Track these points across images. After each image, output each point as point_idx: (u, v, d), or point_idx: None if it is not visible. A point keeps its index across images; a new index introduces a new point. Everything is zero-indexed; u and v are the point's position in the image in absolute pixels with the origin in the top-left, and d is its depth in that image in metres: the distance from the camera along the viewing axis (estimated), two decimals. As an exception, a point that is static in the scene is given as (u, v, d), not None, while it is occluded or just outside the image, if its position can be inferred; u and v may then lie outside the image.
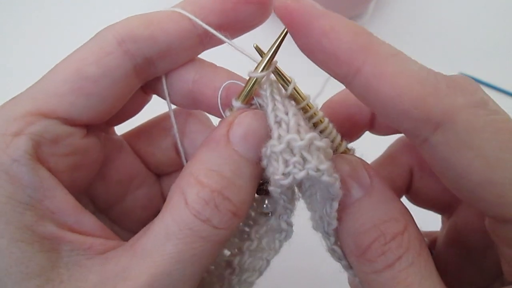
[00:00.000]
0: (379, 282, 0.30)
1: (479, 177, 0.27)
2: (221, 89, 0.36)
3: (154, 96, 0.41)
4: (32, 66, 0.50)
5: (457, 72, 0.85)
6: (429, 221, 0.42)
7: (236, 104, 0.34)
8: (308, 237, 0.36)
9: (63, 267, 0.30)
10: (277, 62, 0.33)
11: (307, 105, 0.35)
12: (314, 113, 0.35)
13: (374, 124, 0.40)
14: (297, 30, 0.29)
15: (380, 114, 0.29)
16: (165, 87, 0.37)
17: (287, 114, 0.31)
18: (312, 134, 0.30)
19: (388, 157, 0.43)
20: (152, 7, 0.36)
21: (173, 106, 0.40)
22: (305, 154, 0.29)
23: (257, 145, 0.31)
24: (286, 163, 0.30)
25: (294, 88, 0.34)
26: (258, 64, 0.33)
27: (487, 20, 0.95)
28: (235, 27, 0.35)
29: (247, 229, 0.38)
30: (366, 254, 0.30)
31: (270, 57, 0.33)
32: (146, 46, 0.34)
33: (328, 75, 0.30)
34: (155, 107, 0.43)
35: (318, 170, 0.29)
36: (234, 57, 0.39)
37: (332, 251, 0.34)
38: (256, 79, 0.33)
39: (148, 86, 0.38)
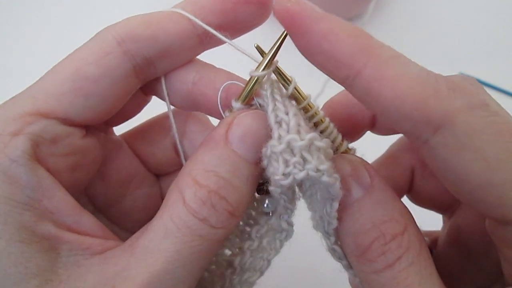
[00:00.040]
0: (379, 282, 0.30)
1: (479, 179, 0.26)
2: (221, 89, 0.36)
3: (154, 97, 0.41)
4: (32, 66, 0.50)
5: (457, 72, 0.86)
6: (430, 220, 0.42)
7: (236, 105, 0.34)
8: (308, 237, 0.36)
9: (62, 267, 0.30)
10: (278, 61, 0.33)
11: (308, 104, 0.35)
12: (315, 113, 0.35)
13: (375, 123, 0.40)
14: (297, 33, 0.29)
15: (381, 116, 0.29)
16: (164, 87, 0.37)
17: (287, 114, 0.31)
18: (312, 135, 0.30)
19: (390, 157, 0.43)
20: (152, 7, 0.36)
21: (173, 108, 0.40)
22: (305, 155, 0.29)
23: (256, 146, 0.31)
24: (286, 163, 0.30)
25: (295, 88, 0.34)
26: (260, 64, 0.33)
27: (487, 20, 0.95)
28: (235, 27, 0.35)
29: (248, 228, 0.38)
30: (366, 254, 0.30)
31: (271, 56, 0.33)
32: (146, 46, 0.34)
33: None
34: (155, 108, 0.43)
35: (318, 170, 0.29)
36: (234, 58, 0.39)
37: (332, 251, 0.34)
38: (257, 78, 0.33)
39: (148, 87, 0.38)
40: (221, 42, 0.36)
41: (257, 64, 0.33)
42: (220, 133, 0.32)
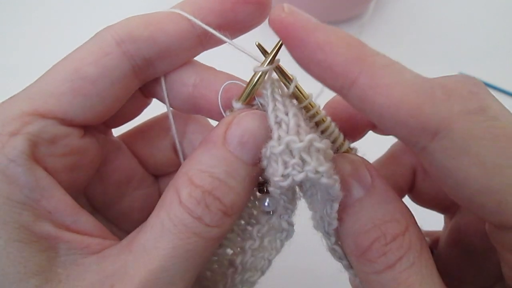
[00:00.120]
0: (379, 282, 0.30)
1: (478, 184, 0.26)
2: (221, 89, 0.36)
3: (154, 99, 0.41)
4: (32, 66, 0.50)
5: (457, 72, 0.85)
6: (431, 220, 0.42)
7: (236, 105, 0.34)
8: (309, 237, 0.36)
9: (61, 267, 0.30)
10: (279, 60, 0.33)
11: (309, 104, 0.35)
12: (316, 112, 0.35)
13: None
14: (292, 43, 0.28)
15: (377, 124, 0.28)
16: (164, 87, 0.37)
17: (287, 114, 0.31)
18: (312, 136, 0.29)
19: (391, 157, 0.43)
20: (151, 7, 0.36)
21: (173, 109, 0.40)
22: (304, 156, 0.29)
23: (254, 146, 0.31)
24: (285, 164, 0.29)
25: (296, 87, 0.34)
26: (265, 59, 0.33)
27: (487, 20, 0.95)
28: (234, 27, 0.35)
29: (249, 227, 0.38)
30: (367, 255, 0.30)
31: (275, 52, 0.33)
32: (145, 46, 0.34)
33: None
34: (155, 109, 0.42)
35: (317, 172, 0.29)
36: (234, 58, 0.39)
37: (332, 251, 0.34)
38: (260, 75, 0.33)
39: (148, 89, 0.38)
40: (220, 42, 0.36)
41: (260, 63, 0.33)
42: (218, 133, 0.32)
